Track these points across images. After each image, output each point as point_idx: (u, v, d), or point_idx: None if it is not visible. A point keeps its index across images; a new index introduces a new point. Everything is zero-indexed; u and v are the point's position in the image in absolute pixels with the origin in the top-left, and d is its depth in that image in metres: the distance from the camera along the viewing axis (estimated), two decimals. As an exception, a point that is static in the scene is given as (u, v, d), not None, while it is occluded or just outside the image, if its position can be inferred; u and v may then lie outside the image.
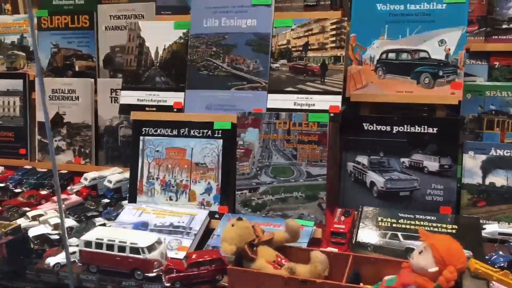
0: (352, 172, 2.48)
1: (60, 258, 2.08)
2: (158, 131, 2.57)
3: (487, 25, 2.72)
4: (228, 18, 2.58)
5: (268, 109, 2.47)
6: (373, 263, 1.78)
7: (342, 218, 2.32)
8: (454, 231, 2.12)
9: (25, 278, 2.06)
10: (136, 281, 1.94)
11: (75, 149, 3.24)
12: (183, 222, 2.34)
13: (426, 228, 2.14)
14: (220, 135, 2.47)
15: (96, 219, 2.51)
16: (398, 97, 2.44)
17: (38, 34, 3.35)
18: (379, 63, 2.47)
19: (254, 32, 2.53)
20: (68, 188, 2.97)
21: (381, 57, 2.47)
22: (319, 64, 2.45)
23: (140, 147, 2.58)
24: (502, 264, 1.94)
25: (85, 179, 2.88)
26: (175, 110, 2.62)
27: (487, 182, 2.35)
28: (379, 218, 2.26)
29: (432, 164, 2.35)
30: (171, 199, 2.51)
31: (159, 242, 2.01)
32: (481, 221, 2.23)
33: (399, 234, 2.15)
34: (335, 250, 2.09)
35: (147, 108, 2.67)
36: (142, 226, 2.34)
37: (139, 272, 1.95)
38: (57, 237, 2.26)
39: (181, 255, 2.14)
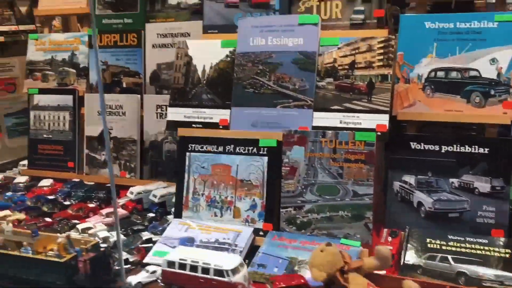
0: (399, 191, 2.44)
1: (142, 277, 2.09)
2: (204, 147, 2.61)
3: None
4: (274, 36, 2.60)
5: (314, 127, 2.47)
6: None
7: (389, 238, 2.29)
8: (507, 255, 2.05)
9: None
10: (220, 304, 1.90)
11: (120, 163, 3.32)
12: (228, 239, 2.35)
13: (478, 252, 2.08)
14: (265, 153, 2.49)
15: (143, 233, 2.55)
16: (447, 116, 2.40)
17: (89, 52, 3.48)
18: (427, 81, 2.44)
19: (300, 51, 2.55)
20: (115, 201, 3.05)
21: (429, 75, 2.43)
22: (366, 83, 2.44)
23: (186, 163, 2.62)
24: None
25: (131, 193, 2.94)
26: (221, 127, 2.66)
27: (541, 204, 2.27)
28: (428, 240, 2.21)
29: (483, 185, 2.29)
30: (216, 215, 2.54)
31: (242, 265, 1.97)
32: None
33: (449, 257, 2.10)
34: (382, 271, 2.06)
35: (193, 125, 2.72)
36: (188, 241, 2.37)
37: None
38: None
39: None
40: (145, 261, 2.28)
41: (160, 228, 2.57)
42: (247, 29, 2.67)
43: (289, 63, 2.57)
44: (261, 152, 2.50)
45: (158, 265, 2.16)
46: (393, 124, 2.45)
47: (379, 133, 2.33)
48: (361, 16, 2.62)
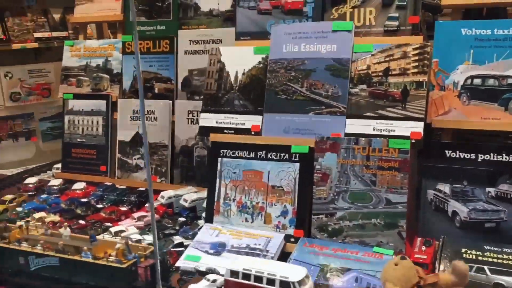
0: (433, 200, 2.40)
1: (203, 285, 2.05)
2: (236, 153, 2.62)
3: None
4: (307, 43, 2.61)
5: (347, 134, 2.45)
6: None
7: (423, 248, 2.24)
8: (547, 267, 1.99)
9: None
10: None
11: (151, 167, 3.37)
12: (259, 245, 2.36)
13: (516, 263, 2.03)
14: (297, 159, 2.49)
15: (174, 237, 2.58)
16: (483, 124, 2.35)
17: (123, 57, 3.55)
18: (463, 88, 2.40)
19: (333, 57, 2.55)
20: (146, 205, 3.09)
21: (465, 82, 2.40)
22: (400, 90, 2.42)
23: (218, 168, 2.64)
24: None
25: (162, 197, 2.97)
26: (253, 133, 2.67)
27: None
28: (463, 250, 2.17)
29: (521, 195, 2.23)
30: (246, 221, 2.54)
31: (307, 276, 1.92)
32: None
33: (486, 268, 2.05)
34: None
35: (225, 131, 2.74)
36: (220, 246, 2.38)
37: None
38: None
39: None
40: (177, 265, 2.30)
41: (191, 233, 2.59)
42: (280, 36, 2.69)
43: (322, 70, 2.56)
44: (293, 159, 2.49)
45: (191, 270, 2.18)
46: (425, 132, 2.42)
47: (413, 141, 2.30)
48: (395, 23, 2.60)
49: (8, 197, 3.22)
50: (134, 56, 3.50)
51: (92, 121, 3.61)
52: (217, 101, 2.80)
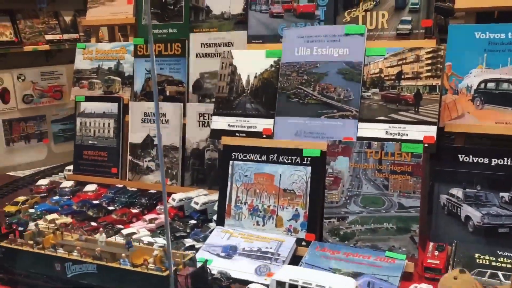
0: (445, 204, 2.39)
1: None
2: (247, 156, 2.62)
3: None
4: (320, 47, 2.61)
5: (359, 138, 2.45)
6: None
7: (436, 252, 2.23)
8: (562, 274, 1.97)
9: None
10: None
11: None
12: (271, 248, 2.35)
13: (531, 269, 2.01)
14: (309, 162, 2.48)
15: (185, 239, 2.58)
16: (497, 128, 2.34)
17: (135, 60, 3.57)
18: (476, 92, 2.38)
19: (346, 61, 2.54)
20: (157, 207, 3.10)
21: (479, 86, 2.38)
22: (413, 93, 2.41)
23: (229, 171, 2.64)
24: None
25: (173, 199, 2.98)
26: (264, 136, 2.67)
27: None
28: (476, 255, 2.16)
29: (535, 200, 2.22)
30: (258, 224, 2.54)
31: None
32: None
33: (500, 273, 2.04)
34: (429, 286, 2.02)
35: (237, 134, 2.74)
36: (231, 249, 2.38)
37: None
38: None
39: (270, 281, 2.15)
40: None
41: (202, 235, 2.59)
42: (292, 39, 2.69)
43: (334, 73, 2.56)
44: (304, 162, 2.49)
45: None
46: (438, 135, 2.41)
47: (426, 145, 2.29)
48: (408, 26, 2.59)
49: (21, 198, 3.25)
50: (145, 59, 3.52)
51: (104, 124, 3.64)
52: (229, 104, 2.81)
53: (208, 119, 3.21)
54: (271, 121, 2.69)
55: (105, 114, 3.63)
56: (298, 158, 2.51)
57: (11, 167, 4.36)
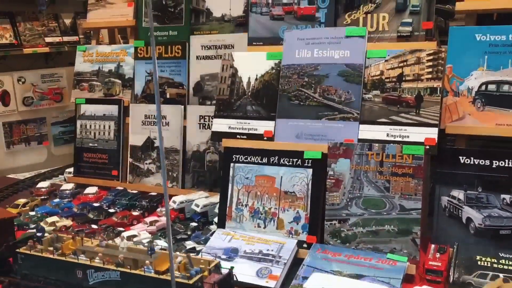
0: (447, 206, 2.39)
1: None
2: (248, 158, 2.62)
3: None
4: (320, 49, 2.61)
5: (360, 140, 2.45)
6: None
7: (437, 254, 2.23)
8: None
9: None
10: None
11: (163, 172, 3.37)
12: (272, 250, 2.35)
13: (533, 271, 2.01)
14: (310, 165, 2.48)
15: (186, 242, 2.58)
16: (498, 130, 2.34)
17: (135, 62, 3.57)
18: (477, 94, 2.39)
19: (346, 63, 2.54)
20: (158, 210, 3.10)
21: (480, 88, 2.38)
22: (414, 96, 2.41)
23: (230, 173, 2.64)
24: None
25: (174, 202, 2.97)
26: (265, 138, 2.67)
27: None
28: (477, 257, 2.16)
29: (537, 202, 2.22)
30: (259, 226, 2.54)
31: None
32: None
33: (501, 275, 2.03)
34: (431, 288, 2.02)
35: (238, 136, 2.74)
36: (232, 252, 2.38)
37: None
38: None
39: (271, 283, 2.15)
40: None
41: (203, 238, 2.59)
42: (293, 42, 2.69)
43: (335, 76, 2.56)
44: (305, 164, 2.49)
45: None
46: (439, 137, 2.41)
47: (427, 147, 2.29)
48: (409, 28, 2.60)
49: (21, 201, 3.25)
50: (146, 61, 3.52)
51: (104, 126, 3.63)
52: (230, 106, 2.81)
53: (209, 121, 3.21)
54: (272, 123, 2.69)
55: (106, 116, 3.62)
56: (299, 160, 2.51)
57: (11, 169, 4.35)
